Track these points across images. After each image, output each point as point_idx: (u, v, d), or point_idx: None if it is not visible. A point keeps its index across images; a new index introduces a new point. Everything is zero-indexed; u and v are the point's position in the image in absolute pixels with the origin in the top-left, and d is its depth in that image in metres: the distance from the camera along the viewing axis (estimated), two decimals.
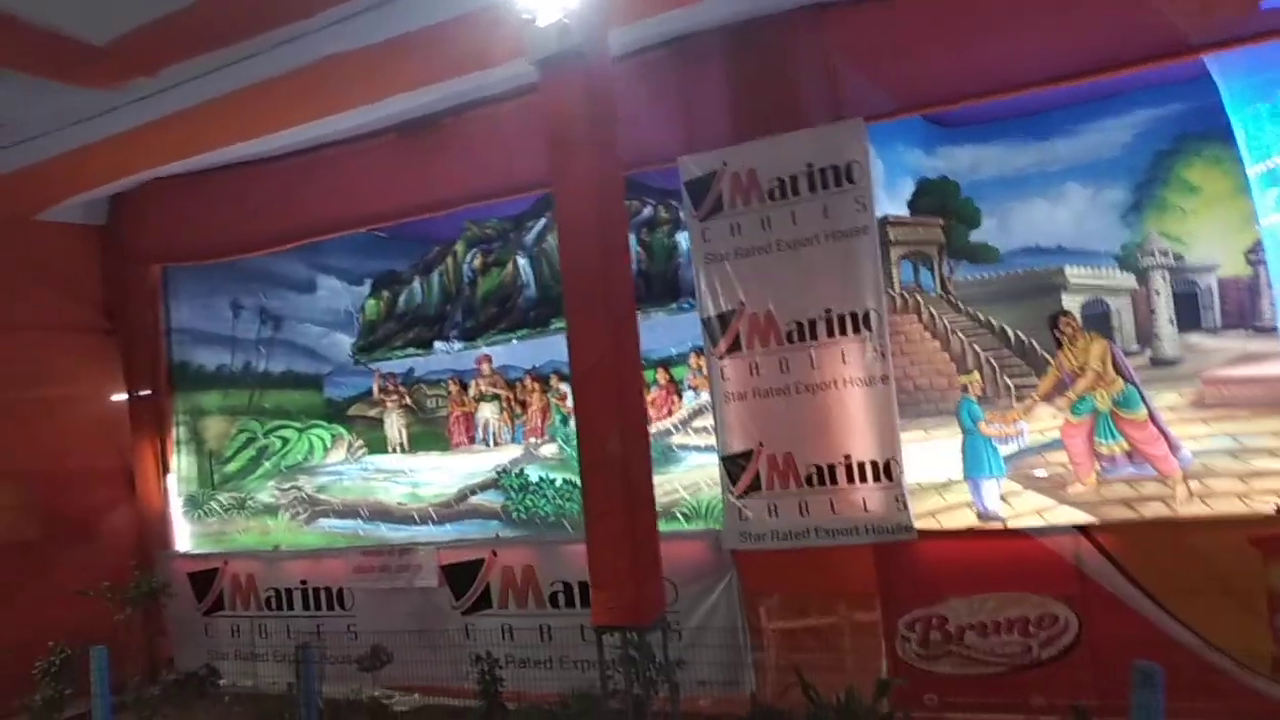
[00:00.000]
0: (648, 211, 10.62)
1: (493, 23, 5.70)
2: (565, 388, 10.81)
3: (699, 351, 10.13)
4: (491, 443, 11.16)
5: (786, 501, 7.22)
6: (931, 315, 8.14)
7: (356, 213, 9.85)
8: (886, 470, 6.94)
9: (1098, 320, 8.08)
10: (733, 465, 7.45)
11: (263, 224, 10.25)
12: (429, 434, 11.82)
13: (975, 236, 8.21)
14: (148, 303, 10.72)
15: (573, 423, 10.54)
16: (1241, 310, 7.78)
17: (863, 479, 6.99)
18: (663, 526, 8.69)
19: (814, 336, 7.14)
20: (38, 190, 9.22)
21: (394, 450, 11.63)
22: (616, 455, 5.49)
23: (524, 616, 8.28)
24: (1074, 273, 8.25)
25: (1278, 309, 7.30)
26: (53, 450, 10.22)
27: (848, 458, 7.04)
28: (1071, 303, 8.29)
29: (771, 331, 7.31)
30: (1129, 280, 8.02)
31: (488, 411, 11.30)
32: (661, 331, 10.42)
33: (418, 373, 12.06)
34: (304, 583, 9.41)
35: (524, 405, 11.25)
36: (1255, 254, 7.65)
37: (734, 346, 7.47)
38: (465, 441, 11.46)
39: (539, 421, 11.12)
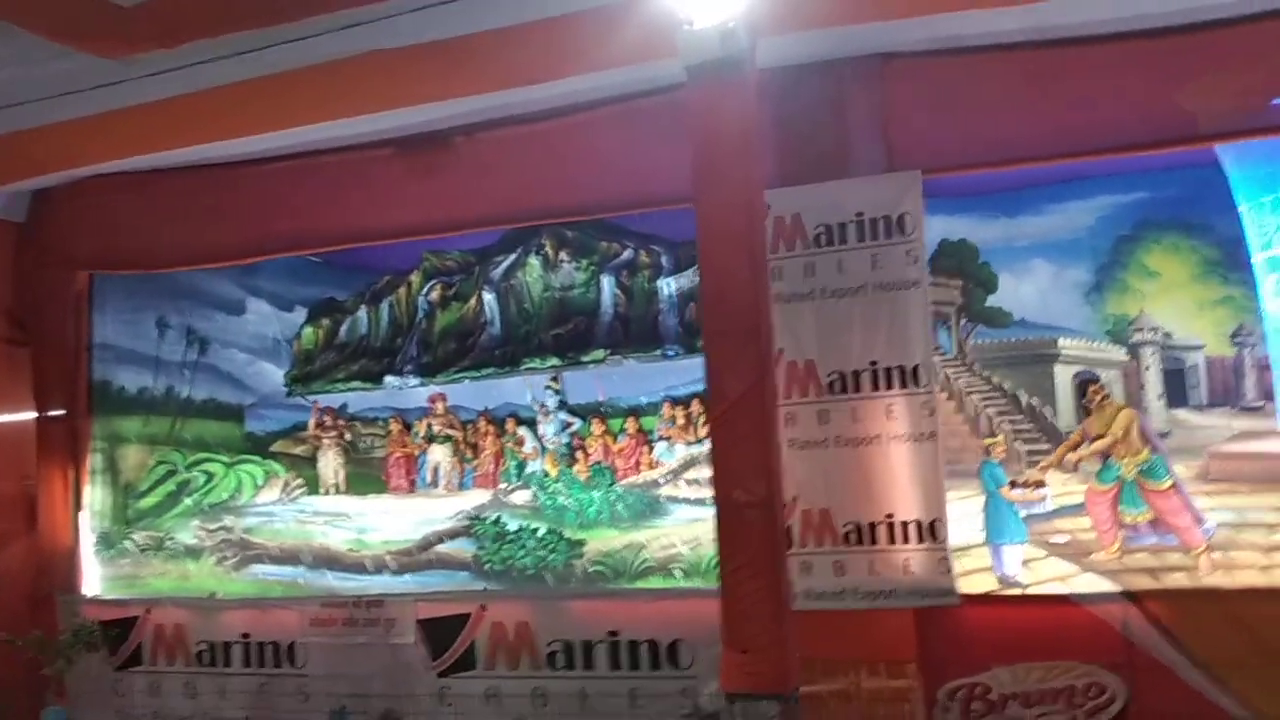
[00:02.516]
0: (627, 255, 10.30)
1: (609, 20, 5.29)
2: (522, 432, 10.24)
3: (672, 401, 9.78)
4: (441, 487, 10.42)
5: (821, 560, 6.89)
6: (947, 377, 8.07)
7: (336, 228, 9.09)
8: (932, 530, 6.72)
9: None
10: None
11: (216, 234, 9.34)
12: (362, 475, 10.90)
13: (991, 301, 8.25)
14: (70, 313, 9.51)
15: (530, 468, 10.14)
16: (1227, 389, 8.05)
17: (905, 540, 6.75)
18: (661, 583, 8.29)
19: (857, 389, 6.92)
20: None
21: (327, 491, 10.64)
22: (761, 500, 5.05)
23: (514, 679, 7.57)
24: (1066, 344, 8.37)
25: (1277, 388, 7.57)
26: None
27: (890, 516, 6.80)
28: (1063, 373, 8.42)
29: (811, 381, 7.04)
30: (1119, 354, 8.17)
31: (440, 454, 10.51)
32: (633, 380, 10.05)
33: (351, 409, 11.20)
34: (246, 636, 8.36)
35: (474, 449, 10.58)
36: (1240, 336, 7.96)
37: None
38: (405, 485, 10.62)
39: (492, 467, 10.44)
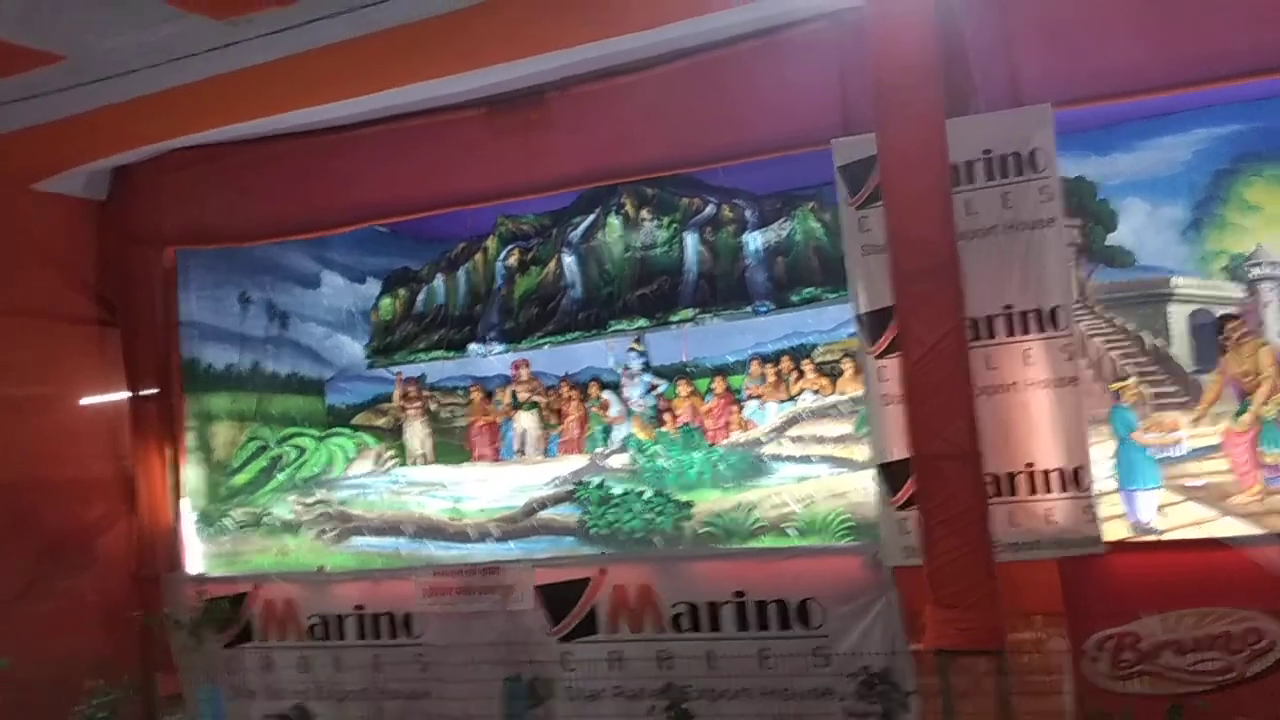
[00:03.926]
0: (709, 210, 10.08)
1: None
2: (606, 396, 10.11)
3: (761, 359, 9.62)
4: (529, 454, 10.30)
5: None
6: None
7: (414, 196, 8.87)
8: (1075, 478, 6.48)
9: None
10: (892, 473, 6.81)
11: (294, 206, 9.17)
12: (446, 445, 10.88)
13: (1111, 239, 7.96)
14: (158, 290, 9.40)
15: (616, 433, 9.99)
16: None
17: (1047, 489, 6.51)
18: (774, 542, 8.13)
19: (991, 335, 6.64)
20: (59, 148, 7.92)
21: (415, 461, 10.62)
22: (962, 450, 4.83)
23: (638, 642, 7.44)
24: (1180, 282, 8.07)
25: None
26: (39, 456, 8.83)
27: (1029, 466, 6.54)
28: (1178, 313, 8.13)
29: None
30: (1237, 291, 7.86)
31: (526, 420, 10.45)
32: (718, 338, 9.89)
33: (430, 379, 11.11)
34: (360, 608, 8.28)
35: (558, 415, 10.46)
36: None
37: (894, 345, 6.86)
38: (489, 454, 10.58)
39: (577, 433, 10.33)
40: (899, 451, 6.79)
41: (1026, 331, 6.60)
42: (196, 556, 9.44)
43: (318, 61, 6.81)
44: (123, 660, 8.48)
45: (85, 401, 9.29)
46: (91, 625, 8.78)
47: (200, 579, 8.94)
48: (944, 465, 5.01)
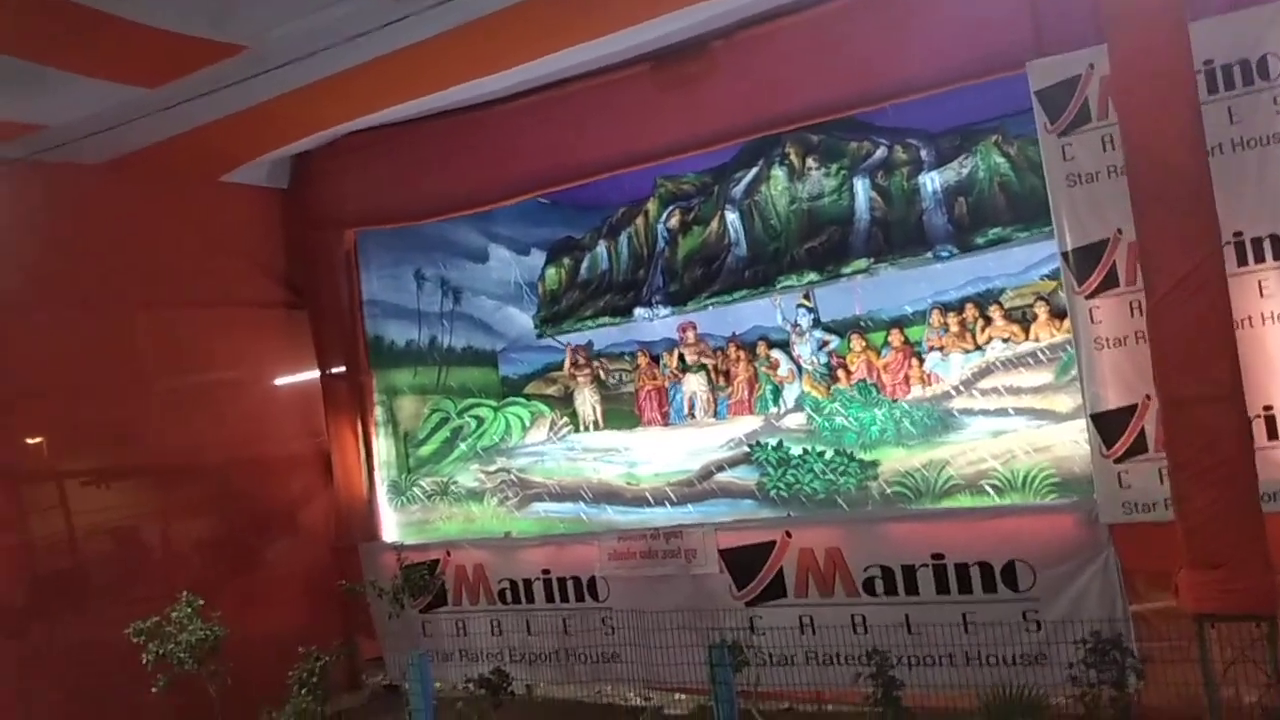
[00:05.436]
0: (880, 153, 9.54)
1: None
2: (776, 355, 9.78)
3: (943, 308, 9.05)
4: (699, 417, 10.13)
5: None
6: None
7: (575, 163, 8.78)
8: None
9: None
10: (1108, 423, 6.28)
11: (462, 182, 9.24)
12: (614, 411, 10.84)
13: None
14: (342, 271, 9.74)
15: (787, 392, 9.66)
16: None
17: None
18: (970, 502, 7.67)
19: None
20: (242, 139, 8.25)
21: (586, 428, 10.64)
22: (1221, 393, 4.37)
23: (829, 607, 7.19)
24: None
25: None
26: (244, 436, 9.31)
27: (1268, 409, 5.86)
28: None
29: None
30: None
31: (695, 384, 10.25)
32: (892, 288, 9.37)
33: (596, 346, 11.08)
34: (546, 572, 8.39)
35: (725, 376, 10.21)
36: None
37: (1107, 283, 6.30)
38: (658, 418, 10.44)
39: (746, 394, 10.05)
40: (1116, 399, 6.28)
41: (1261, 260, 5.92)
42: (390, 525, 9.79)
43: (482, 32, 6.73)
44: (327, 626, 8.88)
45: (280, 382, 9.75)
46: (297, 594, 9.25)
47: (397, 546, 9.23)
48: (1201, 410, 4.45)
